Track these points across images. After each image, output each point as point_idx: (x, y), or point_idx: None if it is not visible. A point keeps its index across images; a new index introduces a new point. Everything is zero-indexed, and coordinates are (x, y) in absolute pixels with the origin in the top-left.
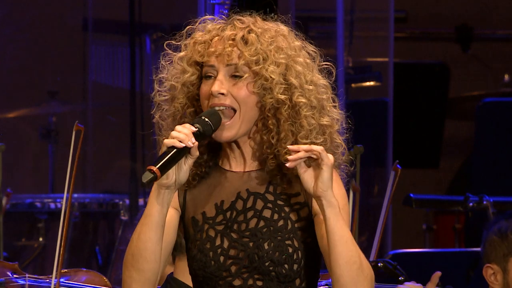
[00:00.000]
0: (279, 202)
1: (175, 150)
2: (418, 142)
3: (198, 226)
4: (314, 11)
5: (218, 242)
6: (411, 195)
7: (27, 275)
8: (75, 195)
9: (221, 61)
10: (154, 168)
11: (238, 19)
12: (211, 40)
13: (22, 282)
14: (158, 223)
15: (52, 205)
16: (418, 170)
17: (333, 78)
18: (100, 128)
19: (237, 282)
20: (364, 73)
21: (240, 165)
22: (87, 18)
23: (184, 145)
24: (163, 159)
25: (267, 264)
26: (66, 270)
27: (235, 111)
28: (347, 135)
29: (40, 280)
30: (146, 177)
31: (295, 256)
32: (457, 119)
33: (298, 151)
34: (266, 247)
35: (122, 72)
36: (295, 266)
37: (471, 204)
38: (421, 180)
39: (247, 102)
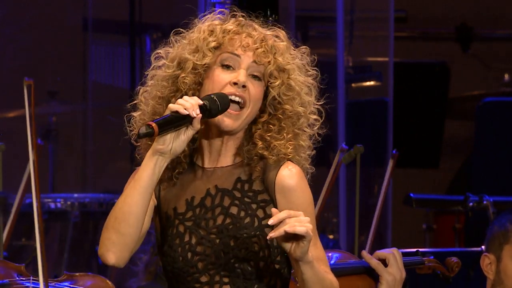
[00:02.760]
0: (246, 200)
1: (177, 115)
2: (418, 142)
3: (170, 221)
4: (314, 11)
5: (186, 238)
6: (411, 195)
7: (31, 278)
8: (75, 195)
9: (250, 57)
10: (153, 124)
11: (254, 22)
12: (240, 33)
13: (26, 284)
14: (146, 188)
15: (52, 205)
16: (418, 170)
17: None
18: (100, 128)
19: (204, 279)
20: (364, 73)
21: (213, 161)
22: (87, 18)
23: (187, 112)
24: (165, 120)
25: (232, 261)
26: (72, 274)
27: (241, 108)
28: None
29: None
30: (144, 130)
31: (261, 254)
32: (457, 119)
33: (278, 221)
34: (232, 243)
35: (122, 72)
36: (261, 264)
37: (471, 204)
38: (421, 180)
39: (257, 103)
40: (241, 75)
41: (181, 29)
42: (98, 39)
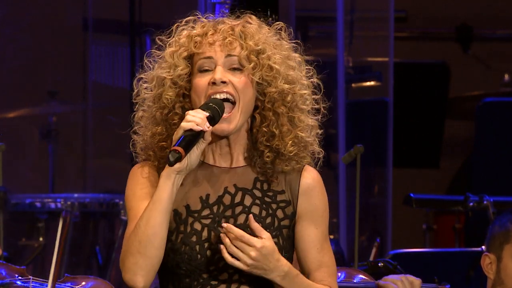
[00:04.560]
0: (267, 199)
1: (193, 133)
2: (418, 142)
3: (181, 218)
4: (314, 11)
5: (205, 235)
6: (411, 195)
7: (31, 278)
8: (75, 195)
9: (221, 52)
10: (179, 148)
11: (227, 18)
12: (206, 34)
13: (26, 284)
14: (167, 208)
15: (52, 205)
16: (418, 170)
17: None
18: (100, 128)
19: (222, 277)
20: (364, 73)
21: (227, 161)
22: (87, 18)
23: (201, 128)
24: (185, 141)
25: None
26: (73, 276)
27: (233, 104)
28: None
29: (45, 284)
30: (173, 157)
31: (280, 254)
32: (457, 119)
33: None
34: None
35: (122, 72)
36: None
37: (471, 204)
38: (421, 180)
39: (246, 93)
40: (217, 73)
41: (156, 51)
42: (98, 39)
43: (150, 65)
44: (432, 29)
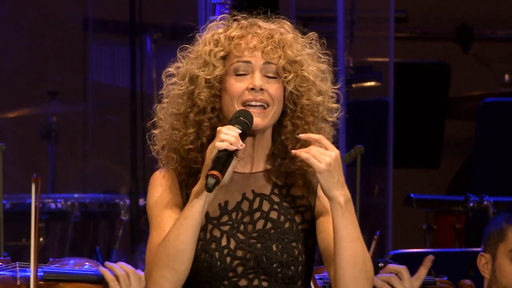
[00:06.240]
0: (285, 204)
1: (227, 153)
2: (418, 142)
3: (201, 226)
4: (314, 11)
5: (224, 242)
6: (411, 195)
7: (17, 263)
8: (75, 195)
9: (260, 59)
10: (216, 173)
11: (261, 20)
12: (245, 36)
13: (11, 269)
14: (198, 224)
15: (52, 205)
16: (418, 170)
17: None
18: (100, 128)
19: (242, 283)
20: (364, 73)
21: (246, 166)
22: (87, 18)
23: (235, 147)
24: (221, 163)
25: (275, 265)
26: (59, 259)
27: (266, 108)
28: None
29: (29, 269)
30: (211, 182)
31: (300, 259)
32: (457, 119)
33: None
34: (274, 248)
35: (122, 72)
36: (300, 268)
37: (471, 204)
38: (421, 180)
39: (280, 102)
40: (256, 79)
41: (187, 46)
42: (98, 39)
43: (182, 59)
44: (432, 29)
